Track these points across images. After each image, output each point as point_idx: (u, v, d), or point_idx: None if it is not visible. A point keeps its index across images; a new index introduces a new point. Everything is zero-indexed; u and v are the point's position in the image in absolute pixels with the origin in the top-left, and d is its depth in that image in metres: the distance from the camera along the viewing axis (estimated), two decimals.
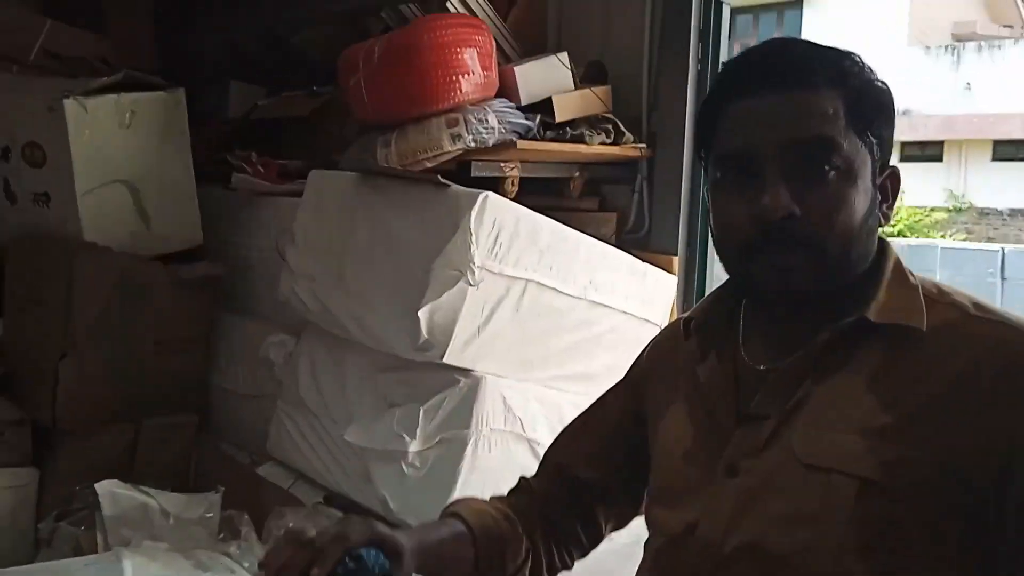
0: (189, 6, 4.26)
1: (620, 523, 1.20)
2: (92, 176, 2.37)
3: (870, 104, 0.90)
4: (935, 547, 0.82)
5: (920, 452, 0.82)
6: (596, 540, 1.19)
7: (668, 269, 2.52)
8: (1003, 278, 10.42)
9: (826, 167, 0.87)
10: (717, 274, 2.62)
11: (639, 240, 2.67)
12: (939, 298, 0.91)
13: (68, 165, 2.32)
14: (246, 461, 2.44)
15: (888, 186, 0.93)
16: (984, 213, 15.25)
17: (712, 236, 0.98)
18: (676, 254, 2.59)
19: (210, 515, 2.06)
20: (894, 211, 0.97)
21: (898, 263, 0.94)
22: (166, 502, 2.03)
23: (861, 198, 0.88)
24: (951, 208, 15.28)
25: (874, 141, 0.90)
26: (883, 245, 0.95)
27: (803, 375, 0.90)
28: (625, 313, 2.31)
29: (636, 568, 1.07)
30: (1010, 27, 17.47)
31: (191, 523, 2.02)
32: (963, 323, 0.88)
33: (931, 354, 0.86)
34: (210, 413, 2.71)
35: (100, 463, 2.35)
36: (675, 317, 2.49)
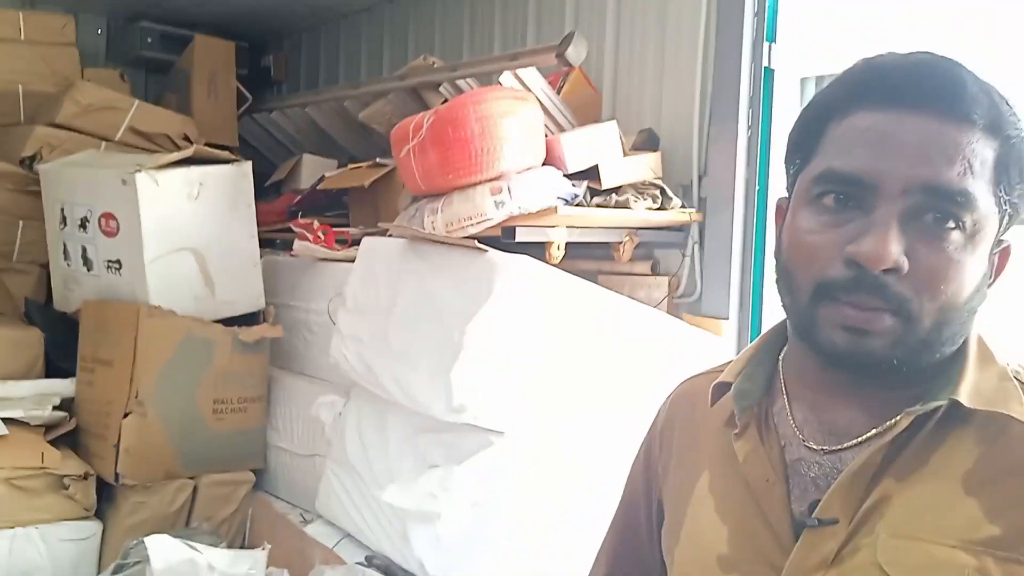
0: (270, 84, 4.55)
1: None
2: (160, 244, 2.52)
3: (1020, 165, 0.73)
4: None
5: None
6: None
7: (718, 333, 2.49)
8: None
9: (952, 225, 0.70)
10: None
11: (691, 305, 2.66)
12: None
13: (138, 234, 2.48)
14: (297, 519, 2.49)
15: (995, 261, 0.77)
16: None
17: (778, 266, 0.79)
18: (727, 318, 2.57)
19: (254, 571, 2.11)
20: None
21: (981, 339, 0.79)
22: (213, 557, 2.09)
23: (976, 269, 0.72)
24: None
25: (1007, 209, 0.74)
26: None
27: (879, 469, 0.73)
28: (673, 378, 2.28)
29: None
30: None
31: None
32: None
33: None
34: (266, 470, 2.80)
35: (159, 517, 2.45)
36: None
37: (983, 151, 0.70)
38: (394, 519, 2.16)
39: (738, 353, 2.62)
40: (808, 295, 0.74)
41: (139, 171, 2.44)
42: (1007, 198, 0.73)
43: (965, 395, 0.72)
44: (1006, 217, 0.74)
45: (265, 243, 2.97)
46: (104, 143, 2.94)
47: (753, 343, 0.89)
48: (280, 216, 3.37)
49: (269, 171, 3.78)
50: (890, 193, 0.70)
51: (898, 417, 0.73)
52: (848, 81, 0.76)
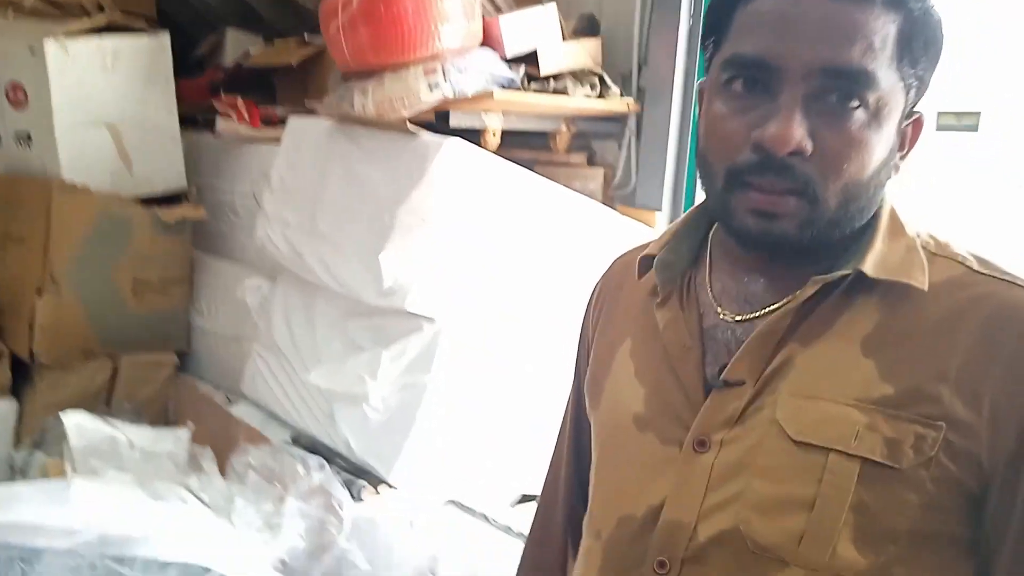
0: None
1: None
2: (72, 117, 2.38)
3: (924, 38, 0.74)
4: (938, 534, 0.73)
5: (928, 428, 0.72)
6: None
7: (651, 225, 2.50)
8: None
9: (855, 104, 0.72)
10: None
11: (626, 196, 2.66)
12: (938, 251, 0.79)
13: (48, 106, 2.34)
14: (221, 400, 2.47)
15: (908, 133, 0.79)
16: None
17: (698, 152, 0.81)
18: (660, 209, 2.57)
19: (177, 449, 2.10)
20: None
21: (893, 211, 0.81)
22: (134, 435, 2.07)
23: (881, 146, 0.74)
24: None
25: (914, 83, 0.75)
26: None
27: (785, 334, 0.78)
28: (600, 266, 2.30)
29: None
30: None
31: (158, 457, 2.06)
32: (969, 281, 0.76)
33: (934, 316, 0.75)
34: (190, 353, 2.75)
35: (78, 397, 2.40)
36: None
37: (884, 27, 0.72)
38: (320, 400, 2.16)
39: None
40: (721, 181, 0.76)
41: (48, 39, 2.28)
42: (912, 71, 0.74)
43: (870, 265, 0.76)
44: (912, 90, 0.76)
45: (186, 121, 2.83)
46: (11, 9, 2.73)
47: (680, 217, 0.92)
48: (202, 93, 3.21)
49: (189, 47, 3.58)
50: (793, 76, 0.72)
51: (808, 284, 0.77)
52: None
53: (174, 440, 2.09)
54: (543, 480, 1.08)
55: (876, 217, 0.79)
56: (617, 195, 2.67)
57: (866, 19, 0.71)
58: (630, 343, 0.89)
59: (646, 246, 0.92)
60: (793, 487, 0.74)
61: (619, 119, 2.66)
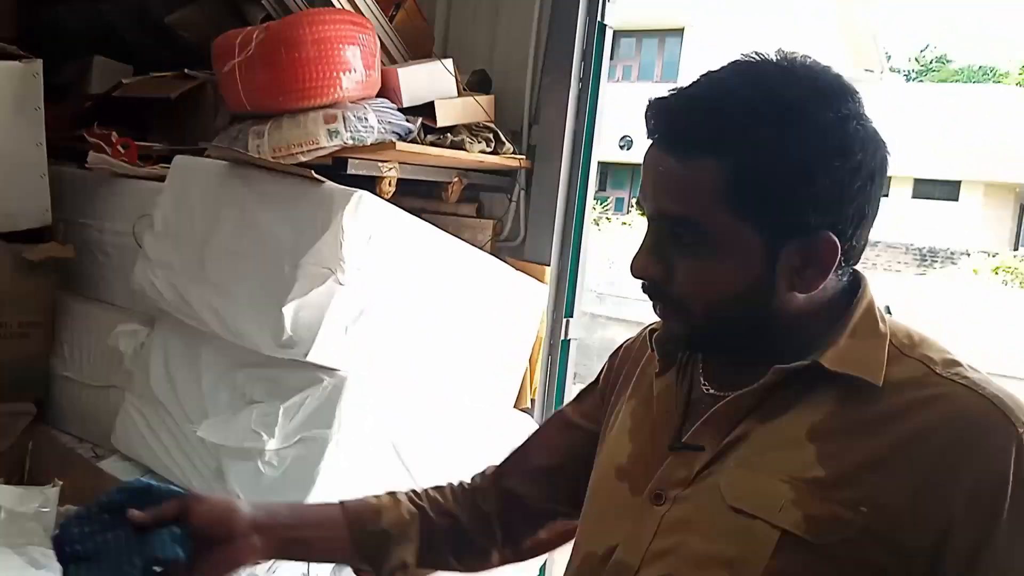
0: None
1: (541, 548, 1.17)
2: None
3: (762, 180, 0.80)
4: None
5: (850, 512, 0.78)
6: (508, 556, 1.16)
7: (540, 279, 2.56)
8: None
9: (687, 240, 0.84)
10: (587, 286, 2.69)
11: (514, 249, 2.71)
12: (909, 351, 0.85)
13: None
14: (88, 454, 2.31)
15: (810, 255, 0.83)
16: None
17: None
18: (548, 264, 2.64)
19: (46, 509, 1.93)
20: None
21: (870, 307, 0.87)
22: None
23: (729, 273, 0.83)
24: None
25: (767, 218, 0.81)
26: (858, 286, 0.89)
27: (747, 412, 0.86)
28: (495, 320, 2.33)
29: None
30: (871, 71, 18.78)
31: (25, 518, 1.88)
32: (928, 382, 0.82)
33: (883, 411, 0.81)
34: (50, 403, 2.55)
35: None
36: (543, 326, 2.54)
37: (703, 175, 0.80)
38: (206, 456, 2.06)
39: (555, 297, 2.68)
40: None
41: None
42: (755, 208, 0.80)
43: (828, 358, 0.83)
44: (767, 224, 0.81)
45: (49, 152, 2.65)
46: None
47: None
48: (66, 124, 3.02)
49: (50, 73, 3.35)
50: (650, 217, 0.87)
51: (769, 371, 0.85)
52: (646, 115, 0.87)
53: (43, 499, 1.92)
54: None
55: (846, 314, 0.87)
56: (505, 248, 2.72)
57: (687, 172, 0.82)
58: (633, 403, 1.01)
59: None
60: (721, 546, 0.82)
61: (509, 173, 2.72)
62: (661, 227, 0.86)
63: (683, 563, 0.84)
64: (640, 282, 0.89)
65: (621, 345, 1.13)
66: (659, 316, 0.91)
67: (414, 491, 1.14)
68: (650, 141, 0.86)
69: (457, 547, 1.12)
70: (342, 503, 1.08)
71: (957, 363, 0.83)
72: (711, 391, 0.92)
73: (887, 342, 0.85)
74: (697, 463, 0.87)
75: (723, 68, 0.85)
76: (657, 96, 0.85)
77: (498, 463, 1.19)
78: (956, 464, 0.77)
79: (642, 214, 0.90)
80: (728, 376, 0.91)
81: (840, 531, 0.78)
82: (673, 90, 0.85)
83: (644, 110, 0.86)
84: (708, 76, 0.84)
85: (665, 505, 0.88)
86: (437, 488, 1.16)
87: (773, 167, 0.79)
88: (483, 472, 1.19)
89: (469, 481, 1.18)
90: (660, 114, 0.84)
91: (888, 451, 0.79)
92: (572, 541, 1.03)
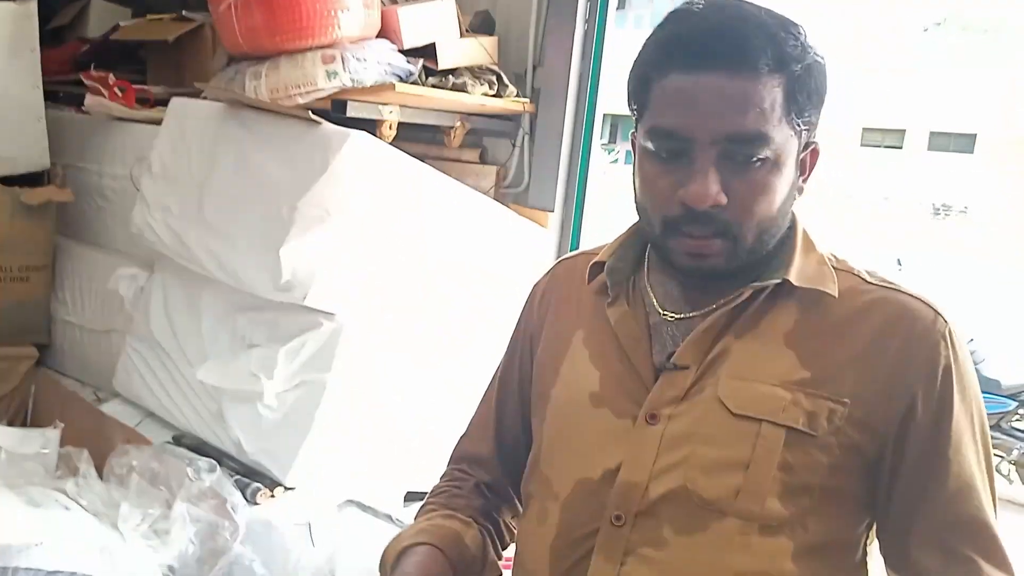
0: None
1: None
2: None
3: (807, 90, 0.89)
4: (842, 489, 0.91)
5: (837, 404, 0.89)
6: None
7: (543, 225, 2.53)
8: None
9: (756, 159, 0.87)
10: (590, 232, 2.66)
11: (517, 195, 2.68)
12: (839, 265, 0.97)
13: None
14: (90, 398, 2.31)
15: (807, 160, 0.94)
16: None
17: (635, 197, 0.96)
18: (552, 211, 2.61)
19: (46, 451, 1.94)
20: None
21: (805, 232, 0.98)
22: None
23: (783, 185, 0.90)
24: None
25: (803, 128, 0.90)
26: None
27: (722, 329, 0.94)
28: (497, 264, 2.30)
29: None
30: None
31: (25, 459, 1.89)
32: (863, 289, 0.94)
33: (841, 317, 0.92)
34: (52, 347, 2.55)
35: None
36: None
37: (772, 93, 0.86)
38: (207, 399, 2.06)
39: (559, 245, 2.67)
40: (658, 227, 0.92)
41: None
42: (801, 119, 0.89)
43: (793, 276, 0.93)
44: (804, 132, 0.91)
45: (47, 96, 2.62)
46: None
47: (625, 231, 1.06)
48: (63, 66, 2.98)
49: (46, 15, 3.31)
50: (702, 144, 0.86)
51: (742, 290, 0.93)
52: (658, 43, 0.91)
53: (43, 441, 1.93)
54: (457, 445, 1.21)
55: (792, 235, 0.96)
56: (509, 194, 2.68)
57: (755, 89, 0.86)
58: (582, 333, 1.03)
59: (594, 253, 1.07)
60: (732, 451, 0.90)
61: (512, 118, 2.67)
62: (729, 149, 0.86)
63: (696, 472, 0.90)
64: (680, 213, 0.89)
65: (535, 288, 1.15)
66: (697, 248, 0.90)
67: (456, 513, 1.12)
68: (692, 67, 0.86)
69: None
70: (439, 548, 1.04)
71: (873, 273, 0.96)
72: (670, 315, 0.98)
73: (826, 259, 0.97)
74: (686, 381, 0.93)
75: (715, 5, 0.89)
76: (701, 16, 0.88)
77: (468, 445, 1.19)
78: (912, 354, 0.90)
79: (655, 145, 0.90)
80: (683, 301, 0.98)
81: (832, 421, 0.89)
82: (701, 18, 0.88)
83: (679, 40, 0.88)
84: (717, 6, 0.89)
85: (661, 423, 0.93)
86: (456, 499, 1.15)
87: (810, 77, 0.89)
88: (450, 469, 1.19)
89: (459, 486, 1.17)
90: (722, 41, 0.86)
91: (860, 349, 0.91)
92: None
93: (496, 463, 1.16)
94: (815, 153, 0.95)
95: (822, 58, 0.90)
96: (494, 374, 1.19)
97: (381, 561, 1.06)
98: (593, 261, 1.04)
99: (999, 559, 0.91)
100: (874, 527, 0.97)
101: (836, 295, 0.93)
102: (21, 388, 2.39)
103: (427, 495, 1.17)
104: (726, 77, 0.85)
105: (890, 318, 0.92)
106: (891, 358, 0.90)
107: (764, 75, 0.86)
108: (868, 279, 0.96)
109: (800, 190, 0.94)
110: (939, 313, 0.93)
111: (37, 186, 2.43)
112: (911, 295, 0.94)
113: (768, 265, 0.94)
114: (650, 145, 0.91)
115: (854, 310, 0.93)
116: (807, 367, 0.91)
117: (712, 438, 0.91)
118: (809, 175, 0.95)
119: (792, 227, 0.97)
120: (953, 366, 0.91)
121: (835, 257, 0.98)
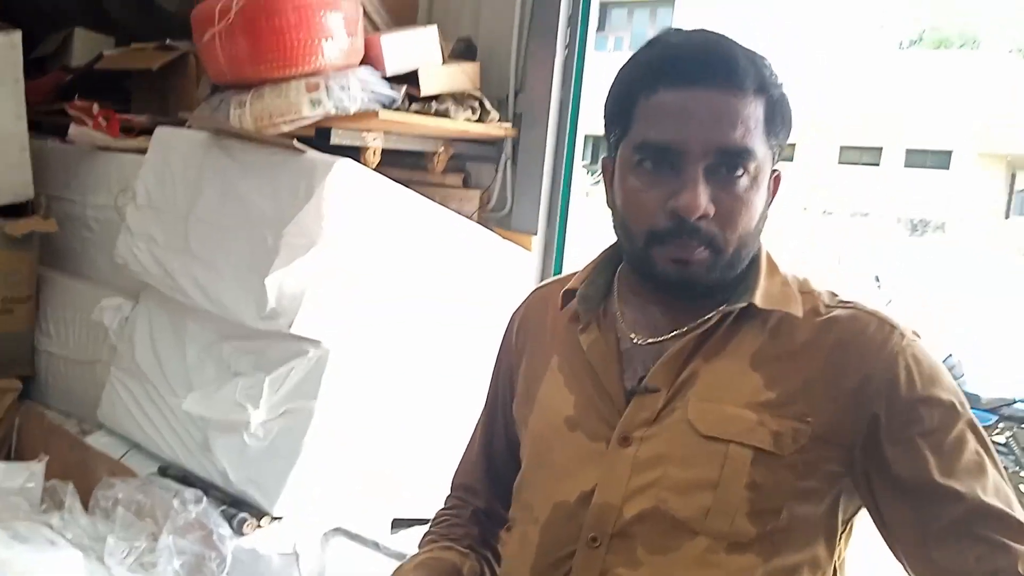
0: None
1: None
2: None
3: (781, 115, 0.94)
4: (809, 506, 0.93)
5: (802, 424, 0.91)
6: None
7: (527, 248, 2.55)
8: None
9: (740, 173, 0.91)
10: (573, 255, 2.67)
11: (501, 219, 2.69)
12: (801, 288, 1.00)
13: None
14: (74, 430, 2.30)
15: (772, 185, 0.98)
16: None
17: (615, 214, 0.98)
18: (535, 234, 2.62)
19: (31, 485, 1.93)
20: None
21: (768, 255, 1.01)
22: None
23: (760, 202, 0.94)
24: None
25: (775, 151, 0.95)
26: None
27: (691, 353, 0.96)
28: (482, 288, 2.32)
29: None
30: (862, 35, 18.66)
31: (10, 493, 1.88)
32: (822, 311, 0.97)
33: (803, 338, 0.95)
34: (36, 378, 2.54)
35: None
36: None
37: (755, 111, 0.91)
38: (192, 429, 2.05)
39: (542, 267, 2.67)
40: (642, 240, 0.94)
41: None
42: (775, 141, 0.94)
43: (759, 298, 0.96)
44: (775, 155, 0.96)
45: (31, 126, 2.62)
46: None
47: (595, 259, 1.10)
48: (47, 96, 2.98)
49: (30, 45, 3.31)
50: (694, 155, 0.90)
51: (711, 315, 0.96)
52: (647, 62, 0.94)
53: (28, 474, 1.91)
54: (454, 472, 1.23)
55: (757, 259, 0.99)
56: (492, 218, 2.70)
57: (744, 105, 0.90)
58: (557, 359, 1.06)
59: (566, 280, 1.10)
60: (701, 472, 0.92)
61: (495, 143, 2.69)
62: (718, 161, 0.90)
63: (668, 492, 0.92)
64: (668, 225, 0.91)
65: (513, 318, 1.18)
66: (684, 257, 0.92)
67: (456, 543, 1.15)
68: (684, 83, 0.90)
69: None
70: None
71: (833, 294, 0.99)
72: (640, 340, 1.00)
73: (788, 282, 0.99)
74: (657, 403, 0.96)
75: (698, 31, 0.95)
76: (689, 37, 0.94)
77: (461, 476, 1.22)
78: (869, 368, 0.92)
79: (642, 159, 0.93)
80: (653, 323, 1.00)
81: (797, 440, 0.91)
82: (688, 40, 0.94)
83: (670, 58, 0.92)
84: (700, 31, 0.95)
85: (634, 446, 0.95)
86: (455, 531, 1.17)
87: (784, 104, 0.95)
88: (450, 501, 1.22)
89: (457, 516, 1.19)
90: (713, 59, 0.91)
91: (820, 369, 0.93)
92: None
93: (489, 491, 1.18)
94: (778, 180, 0.99)
95: (787, 93, 0.96)
96: (484, 403, 1.21)
97: None
98: (565, 288, 1.07)
99: None
100: (845, 541, 0.99)
101: (800, 315, 0.96)
102: (5, 421, 2.37)
103: (429, 522, 1.20)
104: (717, 92, 0.90)
105: (845, 335, 0.94)
106: (850, 374, 0.92)
107: (750, 94, 0.91)
108: (827, 301, 0.98)
109: (766, 216, 0.98)
110: (895, 326, 0.95)
111: (21, 217, 2.42)
112: (867, 311, 0.97)
113: (735, 289, 0.97)
114: (637, 159, 0.93)
115: (813, 331, 0.96)
116: (771, 388, 0.93)
117: (683, 459, 0.93)
118: (772, 199, 0.99)
119: (756, 251, 1.00)
120: (916, 371, 0.92)
121: (796, 279, 1.01)
